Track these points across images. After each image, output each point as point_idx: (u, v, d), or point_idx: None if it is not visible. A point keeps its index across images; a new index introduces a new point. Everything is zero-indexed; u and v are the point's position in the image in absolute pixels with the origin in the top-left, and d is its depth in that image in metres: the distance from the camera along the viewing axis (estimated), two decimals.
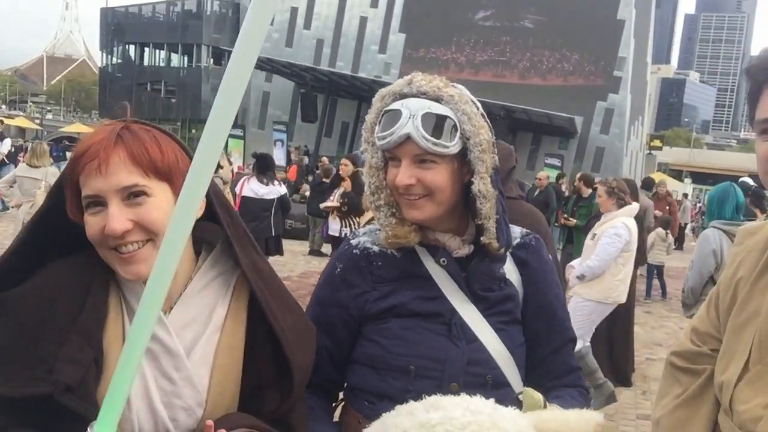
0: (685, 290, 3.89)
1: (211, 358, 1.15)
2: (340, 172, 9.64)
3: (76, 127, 43.85)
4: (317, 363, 1.35)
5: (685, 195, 21.68)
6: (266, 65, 31.50)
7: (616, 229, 4.90)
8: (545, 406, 1.17)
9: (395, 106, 1.34)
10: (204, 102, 38.09)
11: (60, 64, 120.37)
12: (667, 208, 10.52)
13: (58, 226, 1.13)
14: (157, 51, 42.43)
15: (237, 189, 7.87)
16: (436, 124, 1.30)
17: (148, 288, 0.94)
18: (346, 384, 1.46)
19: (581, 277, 4.94)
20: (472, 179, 1.34)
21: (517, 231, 1.50)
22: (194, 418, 1.13)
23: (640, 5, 32.68)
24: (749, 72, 1.20)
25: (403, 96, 1.36)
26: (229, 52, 30.83)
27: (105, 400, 0.95)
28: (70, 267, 1.12)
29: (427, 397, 1.08)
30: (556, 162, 21.94)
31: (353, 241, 1.48)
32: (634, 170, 34.11)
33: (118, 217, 1.04)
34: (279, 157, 26.45)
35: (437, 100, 1.33)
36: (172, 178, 1.10)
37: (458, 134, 1.32)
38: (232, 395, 1.17)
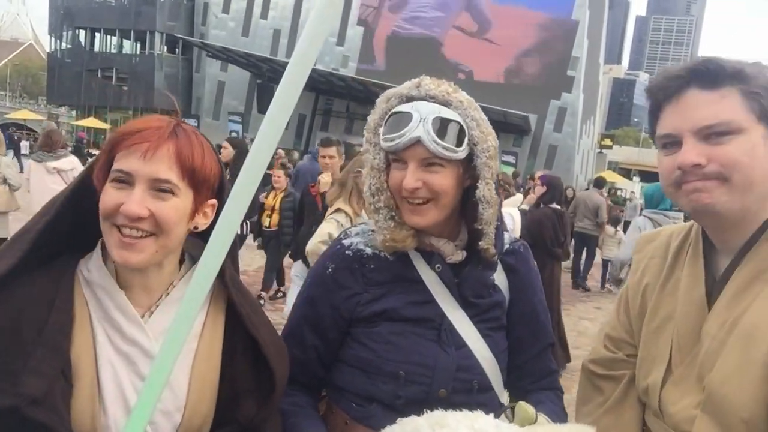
0: (615, 263, 4.92)
1: (189, 364, 1.16)
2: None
3: (23, 114, 42.49)
4: (305, 361, 1.36)
5: (633, 193, 22.27)
6: (221, 54, 31.05)
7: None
8: (536, 420, 1.19)
9: (404, 108, 1.33)
10: (157, 91, 37.25)
11: (5, 47, 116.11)
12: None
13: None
14: (109, 37, 41.22)
15: None
16: (446, 129, 1.30)
17: (184, 303, 0.96)
18: (331, 383, 1.45)
19: None
20: (477, 184, 1.34)
21: (506, 237, 1.50)
22: (173, 422, 1.14)
23: (594, 6, 33.34)
24: (650, 91, 1.28)
25: (410, 99, 1.35)
26: (184, 40, 30.11)
27: (133, 413, 0.97)
28: (40, 277, 1.11)
29: (416, 403, 1.12)
30: (511, 159, 22.28)
31: (345, 242, 1.46)
32: (585, 168, 34.87)
33: (139, 202, 1.06)
34: None
35: (446, 104, 1.33)
36: (201, 189, 1.14)
37: (466, 140, 1.32)
38: (209, 401, 1.18)
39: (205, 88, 36.42)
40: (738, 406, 1.13)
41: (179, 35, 34.84)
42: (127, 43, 41.35)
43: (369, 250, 1.42)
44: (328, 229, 4.08)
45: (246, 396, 1.19)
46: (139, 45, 40.59)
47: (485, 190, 1.34)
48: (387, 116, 1.35)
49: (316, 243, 3.97)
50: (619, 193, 27.61)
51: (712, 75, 1.20)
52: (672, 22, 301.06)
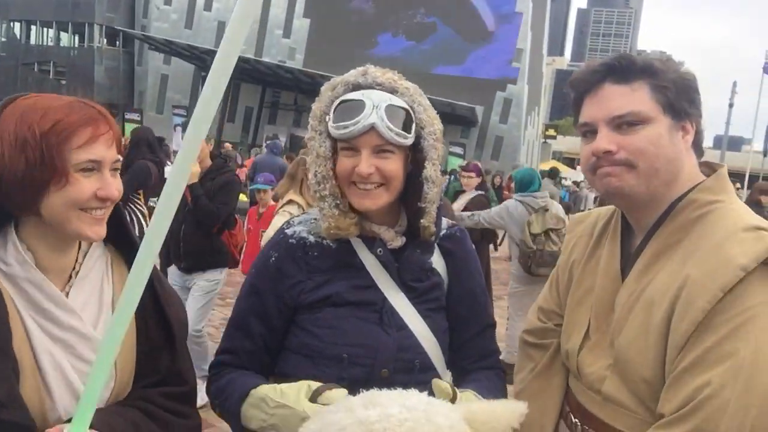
0: (477, 215, 5.54)
1: None
2: None
3: None
4: (254, 350, 1.41)
5: (576, 183, 22.79)
6: (164, 47, 30.37)
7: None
8: (454, 393, 1.26)
9: (355, 96, 1.36)
10: (97, 84, 36.20)
11: None
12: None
13: None
14: (45, 29, 39.76)
15: None
16: (398, 116, 1.35)
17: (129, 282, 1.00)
18: (276, 371, 1.47)
19: None
20: (425, 164, 1.40)
21: (444, 223, 1.56)
22: (108, 391, 1.22)
23: None
24: (572, 84, 1.41)
25: (357, 86, 1.39)
26: (125, 32, 29.26)
27: (80, 403, 1.02)
28: None
29: (358, 383, 1.16)
30: (459, 150, 22.49)
31: (288, 231, 1.49)
32: (531, 158, 35.51)
33: (112, 184, 1.17)
34: (179, 142, 25.61)
35: (393, 91, 1.38)
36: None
37: (414, 126, 1.38)
38: (132, 364, 1.27)
39: (147, 81, 35.57)
40: (640, 367, 1.25)
41: (120, 27, 33.89)
42: (64, 36, 39.99)
43: (312, 238, 1.46)
44: (280, 222, 4.08)
45: (161, 350, 1.30)
46: (77, 38, 39.31)
47: (431, 170, 1.40)
48: (335, 104, 1.38)
49: (269, 236, 3.97)
50: (564, 182, 28.21)
51: (624, 70, 1.32)
52: (612, 15, 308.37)
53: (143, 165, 5.33)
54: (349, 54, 30.94)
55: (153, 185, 5.38)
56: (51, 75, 39.28)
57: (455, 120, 30.70)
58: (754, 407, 1.11)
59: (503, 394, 1.50)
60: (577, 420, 1.41)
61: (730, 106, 31.82)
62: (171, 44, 29.07)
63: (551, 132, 44.39)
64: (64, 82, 38.68)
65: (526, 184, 5.48)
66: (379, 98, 1.35)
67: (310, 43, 33.67)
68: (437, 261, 1.52)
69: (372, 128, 1.33)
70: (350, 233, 1.41)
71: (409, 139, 1.38)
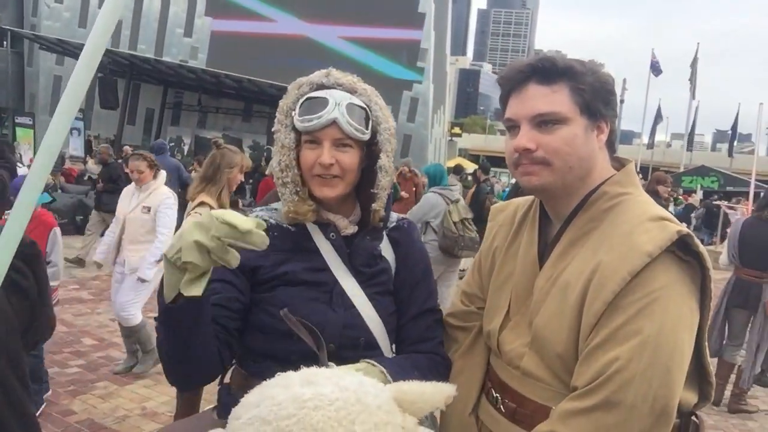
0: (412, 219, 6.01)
1: None
2: None
3: None
4: (228, 300, 1.48)
5: (492, 176, 23.54)
6: (57, 47, 28.81)
7: (170, 200, 5.21)
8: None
9: (320, 94, 1.52)
10: None
11: None
12: (414, 188, 10.72)
13: None
14: None
15: None
16: (357, 113, 1.52)
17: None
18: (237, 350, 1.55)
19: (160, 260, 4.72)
20: (380, 155, 1.56)
21: (393, 216, 1.73)
22: None
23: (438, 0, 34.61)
24: (500, 82, 1.53)
25: (320, 86, 1.56)
26: (13, 32, 27.36)
27: None
28: None
29: (308, 358, 1.25)
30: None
31: (251, 216, 1.57)
32: (438, 156, 36.22)
33: None
34: (76, 146, 24.43)
35: (352, 92, 1.56)
36: None
37: (371, 123, 1.55)
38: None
39: (39, 83, 33.62)
40: (555, 344, 1.39)
41: (6, 26, 31.86)
42: None
43: (273, 221, 1.59)
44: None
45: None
46: None
47: (386, 160, 1.58)
48: (301, 101, 1.53)
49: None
50: (469, 177, 28.98)
51: (546, 72, 1.43)
52: (510, 15, 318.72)
53: None
54: (252, 53, 30.52)
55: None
56: None
57: None
58: (657, 379, 1.24)
59: (434, 378, 1.52)
60: (498, 394, 1.53)
61: (621, 102, 33.61)
62: (64, 44, 27.60)
63: (457, 130, 45.54)
64: None
65: (439, 178, 6.32)
66: (341, 97, 1.52)
67: (212, 42, 32.91)
68: (386, 249, 1.67)
69: (334, 123, 1.50)
70: (307, 218, 1.56)
71: (366, 135, 1.55)
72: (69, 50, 28.62)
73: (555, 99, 1.41)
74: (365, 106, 1.56)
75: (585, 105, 1.41)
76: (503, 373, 1.53)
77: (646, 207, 1.41)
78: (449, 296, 6.08)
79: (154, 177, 5.29)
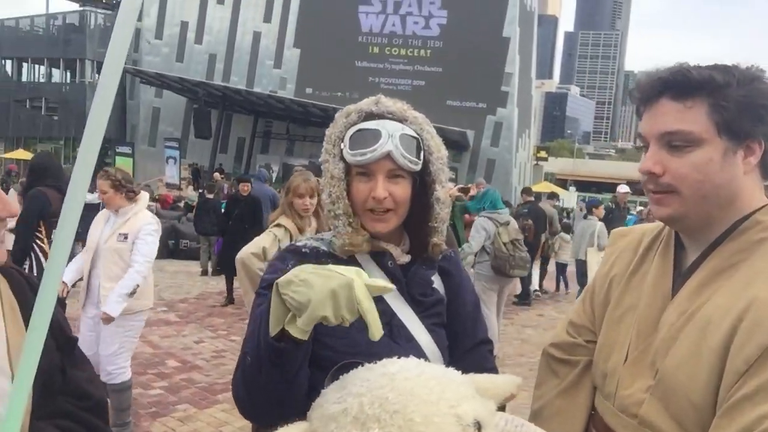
0: (466, 249, 6.52)
1: (4, 344, 1.22)
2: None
3: None
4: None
5: (581, 202, 23.04)
6: (155, 80, 30.51)
7: (150, 227, 4.29)
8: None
9: (371, 125, 1.45)
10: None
11: None
12: None
13: None
14: (37, 66, 39.95)
15: None
16: (410, 144, 1.46)
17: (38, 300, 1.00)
18: None
19: (133, 293, 4.15)
20: (435, 186, 1.50)
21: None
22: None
23: (523, 23, 34.33)
24: (631, 95, 1.35)
25: (370, 114, 1.48)
26: None
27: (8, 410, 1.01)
28: None
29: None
30: (450, 174, 22.62)
31: (299, 243, 1.54)
32: (523, 181, 35.65)
33: None
34: (172, 174, 25.66)
35: (402, 120, 1.49)
36: None
37: (422, 152, 1.49)
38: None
39: (139, 115, 35.66)
40: (689, 391, 1.18)
41: None
42: (56, 72, 40.17)
43: (325, 248, 1.52)
44: (263, 242, 4.08)
45: (54, 351, 1.30)
46: (69, 73, 39.50)
47: (441, 192, 1.51)
48: (351, 132, 1.47)
49: (248, 252, 3.96)
50: (556, 203, 28.34)
51: (680, 86, 1.24)
52: (599, 37, 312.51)
53: (37, 193, 4.92)
54: (338, 83, 31.22)
55: (54, 214, 4.80)
56: (43, 111, 39.37)
57: (446, 144, 30.63)
58: None
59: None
60: None
61: None
62: (162, 77, 29.22)
63: (543, 154, 44.72)
64: (56, 117, 38.77)
65: (494, 203, 6.77)
66: (393, 128, 1.44)
67: (300, 73, 33.91)
68: (436, 280, 1.59)
69: (387, 155, 1.43)
70: (363, 249, 1.49)
71: (419, 165, 1.48)
72: (166, 83, 30.24)
73: (687, 117, 1.22)
74: (417, 136, 1.49)
75: (726, 124, 1.21)
76: (613, 420, 1.33)
77: None
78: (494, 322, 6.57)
79: (131, 200, 4.29)
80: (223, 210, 10.32)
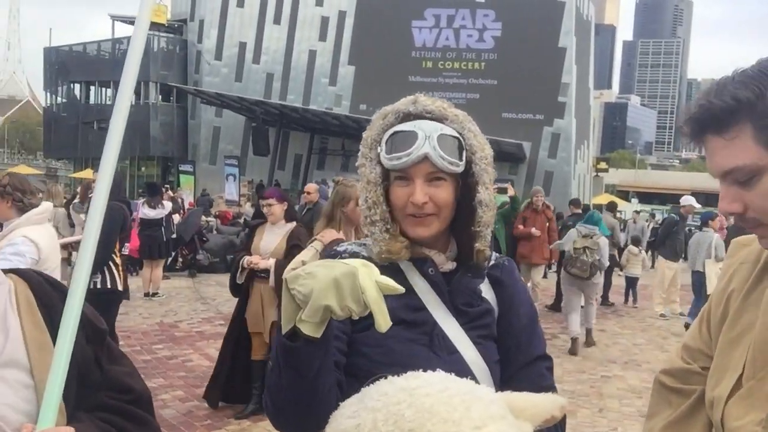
0: (561, 244, 8.32)
1: (24, 359, 1.19)
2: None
3: (20, 169, 42.72)
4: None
5: (637, 212, 22.31)
6: (216, 100, 31.38)
7: (15, 247, 3.33)
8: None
9: (407, 127, 1.37)
10: (153, 138, 37.51)
11: (3, 105, 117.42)
12: (547, 224, 9.86)
13: None
14: (104, 89, 41.61)
15: (134, 215, 9.57)
16: (450, 144, 1.36)
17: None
18: None
19: None
20: (478, 188, 1.40)
21: (492, 254, 1.53)
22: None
23: (580, 33, 33.81)
24: (683, 133, 1.20)
25: (407, 115, 1.40)
26: (178, 89, 30.29)
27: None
28: None
29: None
30: (496, 175, 22.45)
31: (340, 248, 1.49)
32: (583, 192, 34.92)
33: None
34: (231, 191, 26.25)
35: (442, 119, 1.39)
36: None
37: (464, 153, 1.38)
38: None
39: (200, 134, 36.70)
40: None
41: (173, 84, 35.22)
42: None
43: (365, 254, 1.43)
44: (303, 256, 4.09)
45: (90, 361, 1.28)
46: (134, 95, 40.97)
47: (485, 194, 1.40)
48: (387, 135, 1.39)
49: (288, 269, 3.95)
50: (618, 215, 27.66)
51: (715, 118, 1.11)
52: (659, 45, 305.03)
53: (115, 206, 4.83)
54: (392, 99, 31.35)
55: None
56: None
57: (501, 157, 30.48)
58: None
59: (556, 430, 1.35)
60: None
61: None
62: (221, 97, 30.02)
63: (603, 165, 43.69)
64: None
65: (588, 219, 8.32)
66: (431, 128, 1.35)
67: (355, 89, 34.26)
68: (486, 290, 1.48)
69: (425, 158, 1.34)
70: (401, 257, 1.40)
71: (461, 167, 1.37)
72: (226, 102, 31.05)
73: (734, 151, 1.10)
74: (458, 135, 1.39)
75: None
76: None
77: None
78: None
79: (21, 211, 3.49)
80: None
